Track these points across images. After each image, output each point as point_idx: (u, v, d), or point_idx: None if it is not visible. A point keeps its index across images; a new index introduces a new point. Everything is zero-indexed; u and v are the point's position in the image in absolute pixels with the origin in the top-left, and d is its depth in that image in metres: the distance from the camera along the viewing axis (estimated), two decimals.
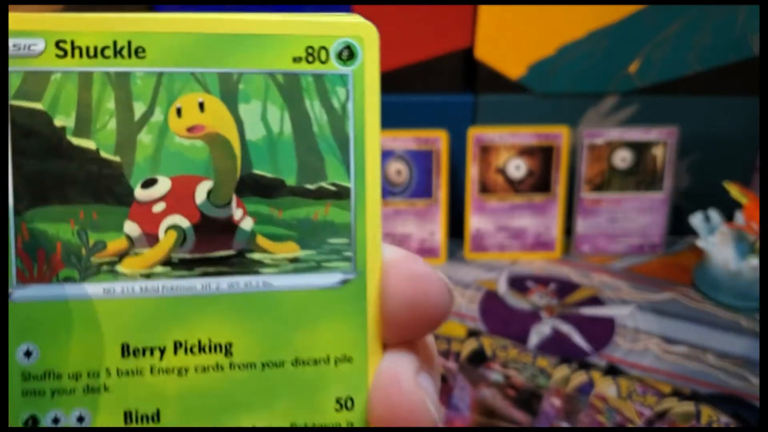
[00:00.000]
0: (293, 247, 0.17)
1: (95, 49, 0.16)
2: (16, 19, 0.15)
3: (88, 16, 0.16)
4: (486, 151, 0.73)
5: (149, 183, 0.16)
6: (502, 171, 0.73)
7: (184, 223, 0.17)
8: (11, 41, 0.15)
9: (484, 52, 0.72)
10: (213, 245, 0.17)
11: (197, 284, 0.16)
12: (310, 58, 0.16)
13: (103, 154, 0.16)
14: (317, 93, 0.17)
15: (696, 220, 0.70)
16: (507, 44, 0.71)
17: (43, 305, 0.16)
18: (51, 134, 0.16)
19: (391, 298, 0.17)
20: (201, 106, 0.16)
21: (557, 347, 0.61)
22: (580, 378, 0.57)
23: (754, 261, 0.65)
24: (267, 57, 0.16)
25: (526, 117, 0.73)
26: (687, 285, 0.70)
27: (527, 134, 0.72)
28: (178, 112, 0.16)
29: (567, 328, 0.63)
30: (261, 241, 0.17)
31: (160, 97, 0.16)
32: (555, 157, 0.73)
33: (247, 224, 0.17)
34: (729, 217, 0.71)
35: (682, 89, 0.73)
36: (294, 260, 0.17)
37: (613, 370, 0.57)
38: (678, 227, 0.77)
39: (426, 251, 0.75)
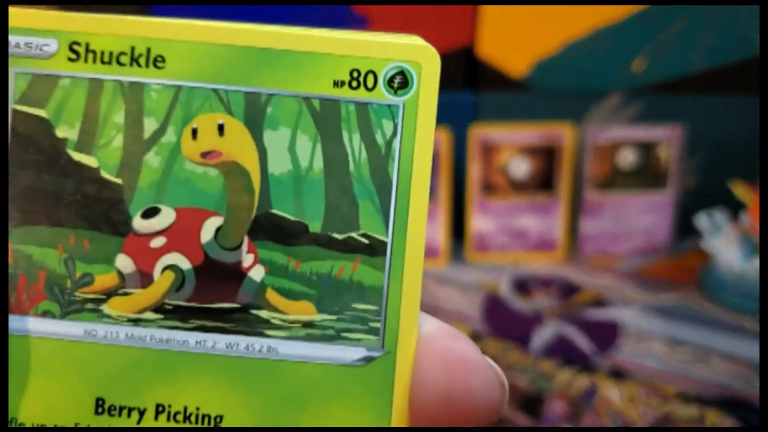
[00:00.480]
0: (309, 309, 0.14)
1: (110, 54, 0.14)
2: (31, 16, 0.14)
3: (106, 17, 0.14)
4: (488, 150, 0.72)
5: (151, 212, 0.14)
6: (504, 170, 0.73)
7: (185, 264, 0.14)
8: (24, 39, 0.14)
9: (486, 50, 0.71)
10: (214, 294, 0.14)
11: (191, 339, 0.14)
12: (355, 83, 0.14)
13: (104, 174, 0.14)
14: (359, 125, 0.14)
15: (701, 220, 0.70)
16: (509, 42, 0.70)
17: (15, 340, 0.14)
18: (50, 146, 0.14)
19: (422, 385, 0.13)
20: (220, 128, 0.14)
21: (560, 350, 0.60)
22: (583, 381, 0.56)
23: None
24: (303, 78, 0.14)
25: (529, 115, 0.72)
26: (693, 286, 0.70)
27: (530, 133, 0.71)
28: (194, 133, 0.14)
29: (570, 331, 0.63)
30: (271, 296, 0.14)
31: (174, 115, 0.14)
32: (558, 156, 0.72)
33: (257, 274, 0.14)
34: (736, 217, 0.70)
35: (687, 88, 0.72)
36: (308, 324, 0.14)
37: (617, 373, 0.57)
38: (684, 227, 0.76)
39: (427, 252, 0.74)
